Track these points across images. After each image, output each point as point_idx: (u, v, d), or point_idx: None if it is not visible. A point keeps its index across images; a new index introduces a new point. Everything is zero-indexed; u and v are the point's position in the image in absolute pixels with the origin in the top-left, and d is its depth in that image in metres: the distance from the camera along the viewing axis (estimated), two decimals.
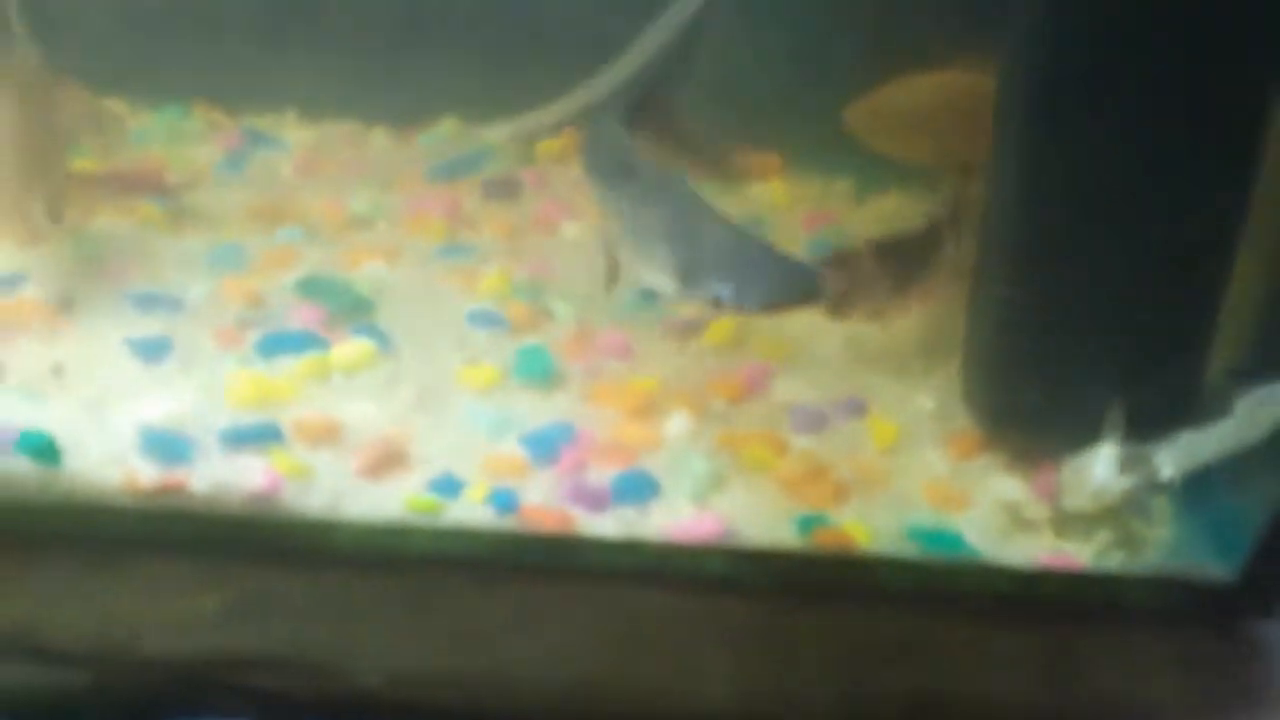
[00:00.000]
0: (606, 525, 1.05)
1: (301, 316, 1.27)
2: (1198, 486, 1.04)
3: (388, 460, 1.09)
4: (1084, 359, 1.05)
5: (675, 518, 1.05)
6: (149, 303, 1.29)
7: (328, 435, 1.12)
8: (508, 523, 1.05)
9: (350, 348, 1.22)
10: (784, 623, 0.99)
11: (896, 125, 1.31)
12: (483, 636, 0.99)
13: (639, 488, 1.07)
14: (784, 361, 1.23)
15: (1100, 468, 1.02)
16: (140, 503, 1.06)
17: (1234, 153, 0.98)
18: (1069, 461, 1.04)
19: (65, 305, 1.27)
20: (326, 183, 1.51)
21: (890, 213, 1.43)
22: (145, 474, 1.07)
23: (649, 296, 1.25)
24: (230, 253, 1.37)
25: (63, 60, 1.36)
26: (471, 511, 1.05)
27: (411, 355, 1.23)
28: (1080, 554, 1.03)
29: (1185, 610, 1.01)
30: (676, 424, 1.14)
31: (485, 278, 1.34)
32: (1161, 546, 1.04)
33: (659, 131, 1.38)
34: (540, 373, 1.20)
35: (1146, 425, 1.02)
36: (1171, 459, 1.02)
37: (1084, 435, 1.03)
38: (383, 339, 1.24)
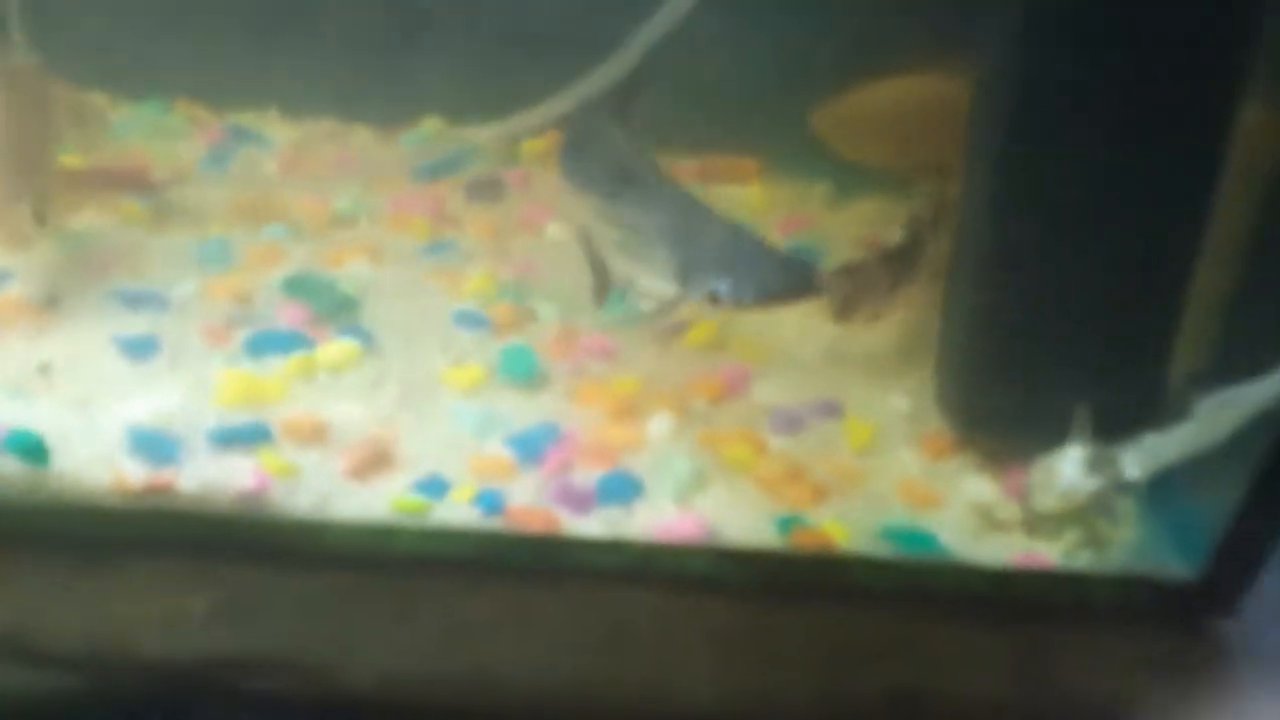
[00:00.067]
0: (591, 526, 1.07)
1: (288, 316, 1.28)
2: (1161, 488, 1.07)
3: (375, 461, 1.11)
4: (1053, 363, 1.08)
5: (658, 518, 1.07)
6: (136, 301, 1.29)
7: (315, 435, 1.13)
8: (494, 523, 1.06)
9: (336, 348, 1.23)
10: (765, 621, 1.01)
11: (861, 130, 1.33)
12: (469, 635, 1.00)
13: (623, 488, 1.09)
14: (763, 364, 1.25)
15: (1068, 469, 1.05)
16: (129, 503, 1.07)
17: (1197, 166, 1.01)
18: (1038, 463, 1.07)
19: (51, 303, 1.27)
20: (309, 181, 1.52)
21: (867, 216, 1.45)
22: (134, 474, 1.07)
23: (634, 302, 1.25)
24: (216, 250, 1.38)
25: (47, 55, 1.36)
26: (458, 512, 1.07)
27: (397, 355, 1.24)
28: (1049, 553, 1.06)
29: (1149, 608, 1.04)
30: (659, 425, 1.16)
31: (470, 279, 1.35)
32: (1127, 546, 1.07)
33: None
34: (525, 373, 1.21)
35: (1112, 428, 1.05)
36: (1136, 460, 1.05)
37: (1053, 437, 1.07)
38: (368, 339, 1.25)
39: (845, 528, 1.07)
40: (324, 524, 1.06)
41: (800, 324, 1.25)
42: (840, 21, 1.39)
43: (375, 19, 1.50)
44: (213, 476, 1.08)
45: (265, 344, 1.23)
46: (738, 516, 1.07)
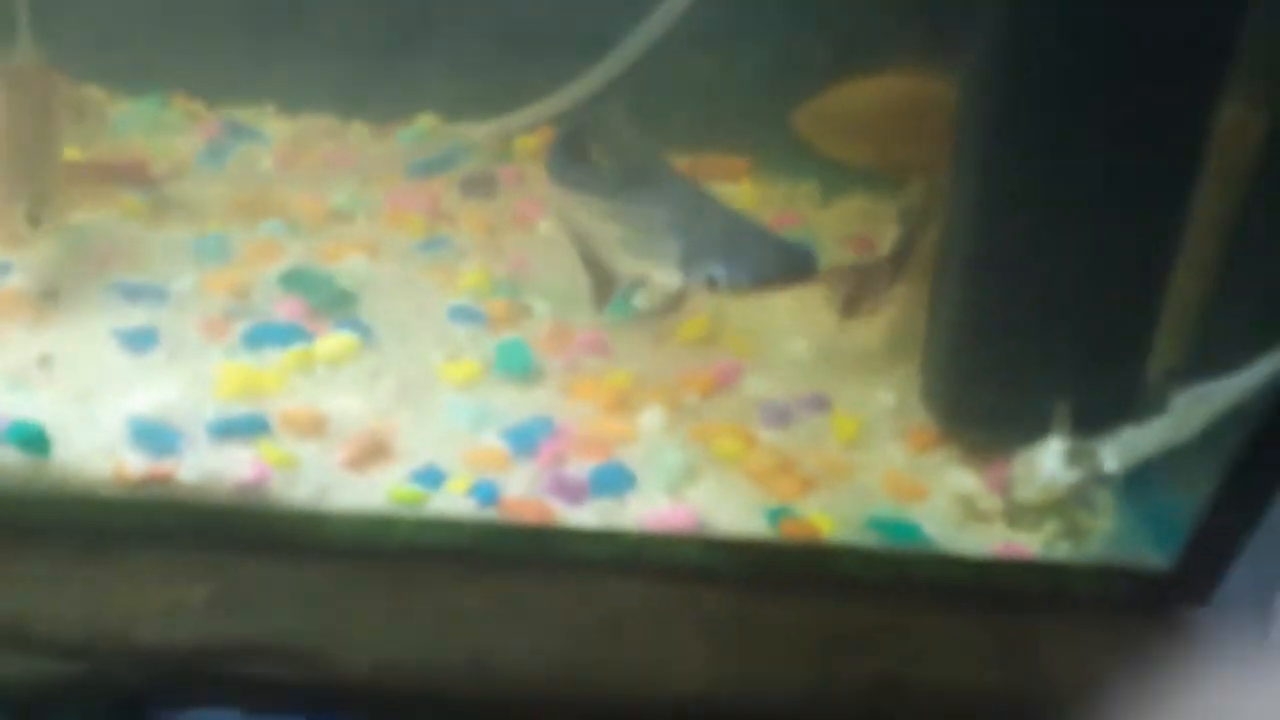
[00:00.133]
0: (585, 516, 1.09)
1: (286, 309, 1.30)
2: (1137, 480, 1.10)
3: (372, 452, 1.13)
4: (1035, 360, 1.11)
5: (650, 509, 1.09)
6: (135, 294, 1.31)
7: (313, 427, 1.14)
8: (489, 514, 1.08)
9: (334, 341, 1.24)
10: (754, 609, 1.03)
11: (840, 129, 1.34)
12: (465, 624, 1.02)
13: (615, 480, 1.11)
14: (754, 359, 1.27)
15: (1049, 461, 1.08)
16: (129, 493, 1.08)
17: (1176, 169, 1.04)
18: (1019, 456, 1.10)
19: (50, 296, 1.28)
20: (307, 176, 1.53)
21: (853, 214, 1.47)
22: (134, 465, 1.09)
23: (634, 302, 1.26)
24: (214, 245, 1.39)
25: (48, 52, 1.37)
26: (454, 503, 1.09)
27: (394, 349, 1.26)
28: (1030, 543, 1.09)
29: (1126, 598, 1.07)
30: (651, 418, 1.18)
31: (465, 274, 1.37)
32: (1104, 537, 1.10)
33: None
34: (519, 367, 1.23)
35: (1091, 422, 1.08)
36: (1114, 453, 1.08)
37: (1034, 431, 1.09)
38: (365, 332, 1.27)
39: (832, 519, 1.09)
40: (322, 514, 1.08)
41: (790, 319, 1.26)
42: (830, 22, 1.41)
43: (372, 16, 1.51)
44: (212, 467, 1.09)
45: (263, 337, 1.25)
46: (728, 507, 1.09)
